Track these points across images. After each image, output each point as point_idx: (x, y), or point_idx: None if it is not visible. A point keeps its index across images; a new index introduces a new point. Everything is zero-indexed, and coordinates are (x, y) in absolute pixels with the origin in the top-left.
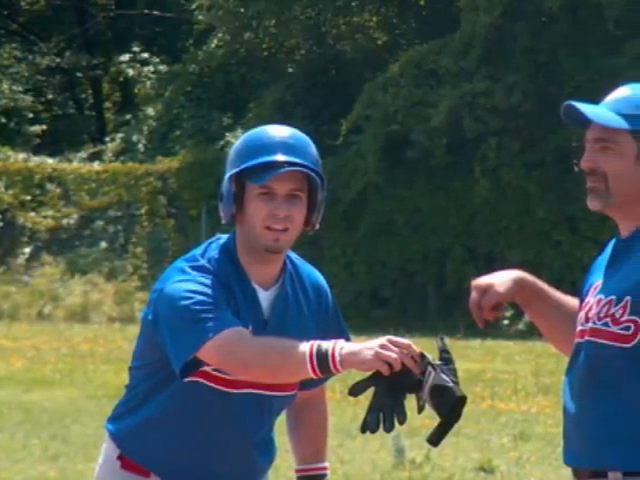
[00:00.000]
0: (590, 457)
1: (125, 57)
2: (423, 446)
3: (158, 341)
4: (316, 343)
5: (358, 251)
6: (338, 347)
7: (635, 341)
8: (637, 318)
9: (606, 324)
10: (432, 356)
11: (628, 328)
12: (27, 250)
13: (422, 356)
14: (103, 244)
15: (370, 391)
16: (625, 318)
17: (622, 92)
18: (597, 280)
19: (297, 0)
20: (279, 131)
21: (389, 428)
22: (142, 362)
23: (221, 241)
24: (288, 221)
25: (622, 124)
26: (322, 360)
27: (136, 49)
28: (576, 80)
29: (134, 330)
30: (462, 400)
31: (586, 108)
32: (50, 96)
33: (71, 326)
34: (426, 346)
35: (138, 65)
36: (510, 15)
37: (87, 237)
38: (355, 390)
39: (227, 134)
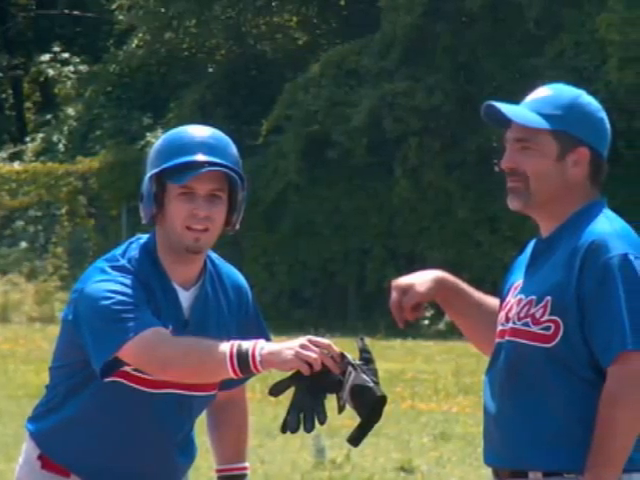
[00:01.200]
0: (510, 457)
1: (45, 57)
2: (343, 446)
3: (78, 341)
4: (236, 343)
5: (278, 251)
6: (258, 347)
7: (555, 341)
8: (557, 318)
9: (526, 324)
10: (352, 356)
11: (548, 328)
12: None
13: (342, 356)
14: (23, 244)
15: (290, 391)
16: (545, 318)
17: (542, 92)
18: (517, 280)
19: (217, 0)
20: (199, 131)
21: (309, 428)
22: (62, 362)
23: (141, 241)
24: (208, 221)
25: (542, 124)
26: (242, 360)
27: (56, 49)
28: (497, 80)
29: (54, 330)
30: (382, 400)
31: (506, 108)
32: None
33: None
34: (346, 346)
35: (58, 65)
36: (431, 15)
37: (7, 237)
38: (275, 390)
39: (147, 134)
